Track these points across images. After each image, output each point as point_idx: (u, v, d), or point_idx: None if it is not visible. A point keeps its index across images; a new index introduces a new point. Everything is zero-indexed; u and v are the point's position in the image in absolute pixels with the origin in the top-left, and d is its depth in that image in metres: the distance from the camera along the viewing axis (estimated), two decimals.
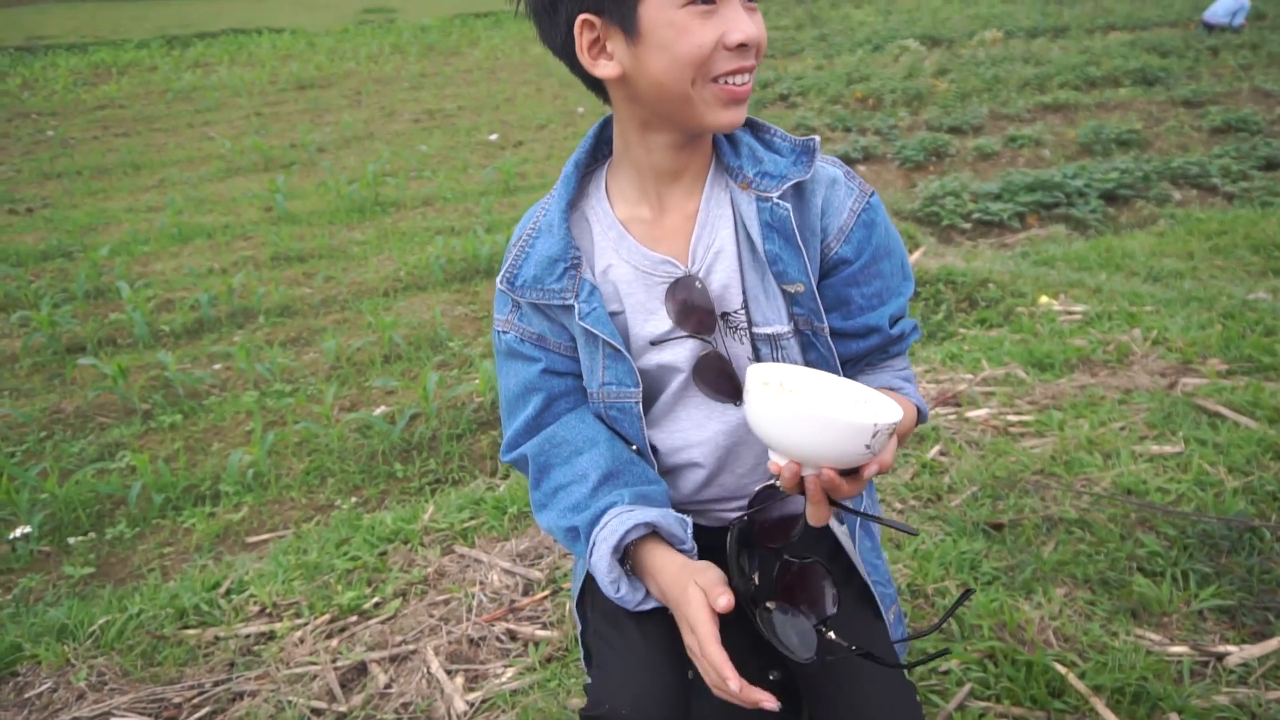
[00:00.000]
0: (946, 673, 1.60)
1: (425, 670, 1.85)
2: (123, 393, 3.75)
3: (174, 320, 4.54)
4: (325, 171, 7.12)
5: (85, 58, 13.51)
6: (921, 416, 1.11)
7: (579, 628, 1.22)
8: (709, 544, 1.20)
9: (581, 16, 0.95)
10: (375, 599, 2.14)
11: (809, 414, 0.83)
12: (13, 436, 3.57)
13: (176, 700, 1.83)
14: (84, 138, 8.95)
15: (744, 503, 1.15)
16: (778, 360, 1.05)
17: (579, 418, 1.11)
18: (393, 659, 1.91)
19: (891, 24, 12.88)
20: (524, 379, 1.11)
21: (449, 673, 1.84)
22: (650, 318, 1.06)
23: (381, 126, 8.82)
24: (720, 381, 1.07)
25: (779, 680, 1.10)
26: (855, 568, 1.14)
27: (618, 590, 1.02)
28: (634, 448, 1.10)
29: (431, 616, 2.02)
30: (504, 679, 1.81)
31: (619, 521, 1.00)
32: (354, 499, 3.07)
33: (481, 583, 2.16)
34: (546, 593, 2.08)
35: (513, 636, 1.95)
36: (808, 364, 1.05)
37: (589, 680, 1.07)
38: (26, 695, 1.89)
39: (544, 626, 1.97)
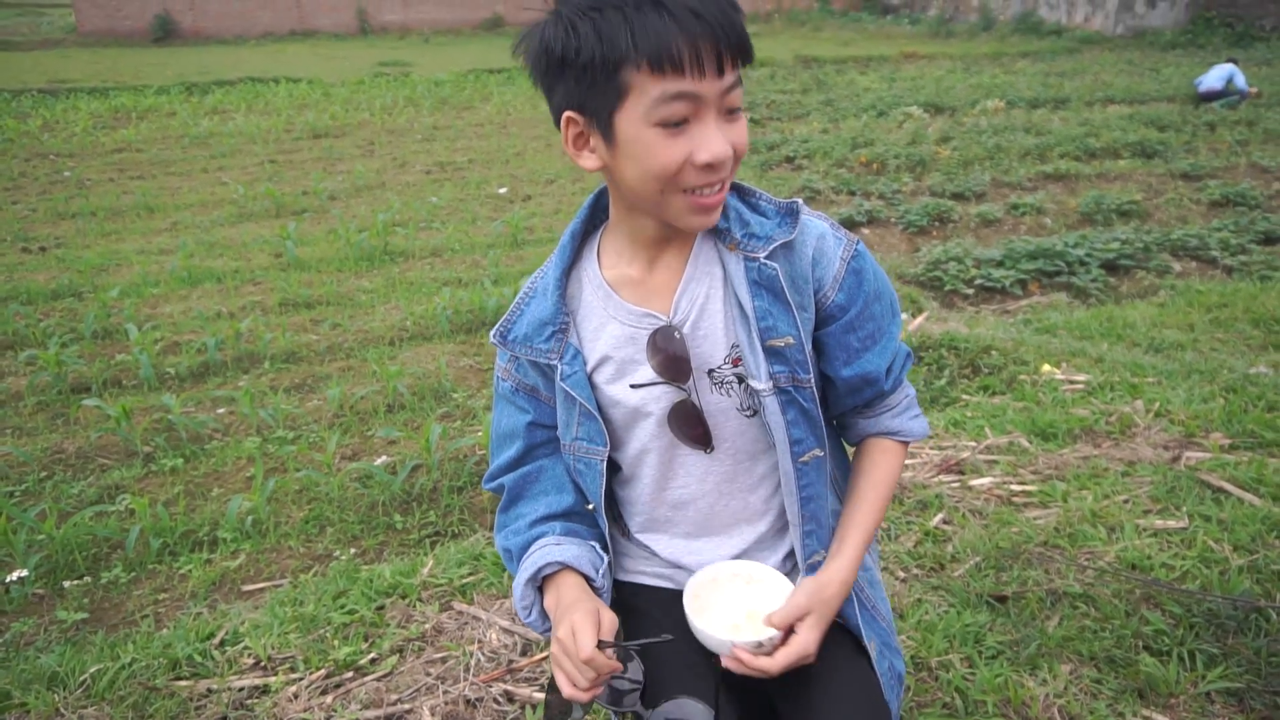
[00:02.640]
0: None
1: None
2: (125, 435, 3.75)
3: (180, 363, 4.56)
4: (336, 220, 7.21)
5: (106, 102, 13.77)
6: (915, 436, 1.20)
7: None
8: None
9: (567, 113, 0.99)
10: (372, 655, 2.12)
11: (691, 617, 1.08)
12: (13, 476, 3.57)
13: None
14: (100, 179, 9.08)
15: (734, 541, 1.20)
16: (759, 414, 1.11)
17: (554, 464, 1.21)
18: (388, 718, 1.88)
19: (896, 91, 13.13)
20: (512, 425, 1.20)
21: None
22: (638, 369, 1.11)
23: (393, 177, 8.95)
24: (690, 428, 1.12)
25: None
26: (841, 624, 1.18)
27: (529, 615, 1.14)
28: (590, 506, 1.18)
29: (428, 675, 2.00)
30: None
31: (541, 555, 1.12)
32: (352, 549, 3.05)
33: (479, 641, 2.13)
34: (545, 654, 2.06)
35: (510, 699, 1.92)
36: (787, 422, 1.09)
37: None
38: None
39: (542, 689, 1.94)
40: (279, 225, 7.02)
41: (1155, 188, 7.84)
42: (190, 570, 2.95)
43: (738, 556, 1.18)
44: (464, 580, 2.46)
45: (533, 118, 12.08)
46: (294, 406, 4.07)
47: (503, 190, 8.31)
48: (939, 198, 7.51)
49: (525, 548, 1.15)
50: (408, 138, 10.97)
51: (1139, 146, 9.08)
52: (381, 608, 2.35)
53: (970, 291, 5.64)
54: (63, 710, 1.96)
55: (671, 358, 1.08)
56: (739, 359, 1.09)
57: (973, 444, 2.95)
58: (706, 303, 1.09)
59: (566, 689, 1.01)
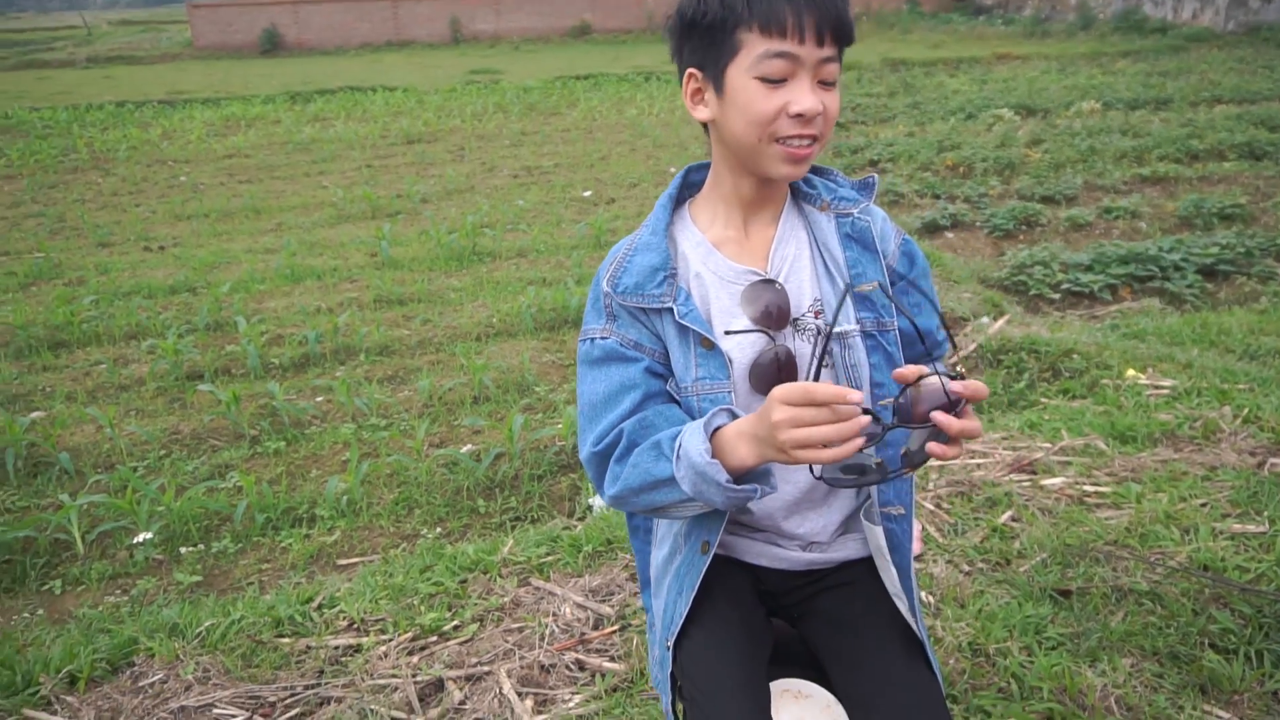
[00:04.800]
0: None
1: (498, 690, 1.96)
2: (234, 418, 4.04)
3: (283, 354, 4.87)
4: (427, 221, 7.52)
5: (218, 111, 14.62)
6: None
7: (668, 695, 1.28)
8: (773, 588, 1.30)
9: (689, 70, 1.18)
10: (455, 622, 2.27)
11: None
12: (137, 453, 3.89)
13: (271, 699, 1.98)
14: (212, 183, 9.67)
15: (813, 538, 1.27)
16: (844, 356, 1.19)
17: (672, 410, 1.20)
18: (468, 678, 2.02)
19: (986, 93, 12.82)
20: (623, 378, 1.19)
21: (520, 695, 1.95)
22: (732, 320, 1.20)
23: (482, 181, 9.25)
24: (772, 376, 1.17)
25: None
26: (890, 595, 1.24)
27: (710, 466, 1.03)
28: None
29: (506, 642, 2.14)
30: (571, 705, 1.90)
31: (706, 419, 1.08)
32: (438, 529, 3.23)
33: (554, 614, 2.26)
34: (615, 628, 2.17)
35: (581, 666, 2.04)
36: (871, 365, 1.19)
37: None
38: (141, 684, 2.07)
39: (612, 659, 2.06)
40: (375, 226, 7.36)
41: (1263, 190, 7.48)
42: (291, 544, 3.18)
43: (791, 505, 1.25)
44: (542, 560, 2.59)
45: (618, 123, 12.28)
46: (386, 396, 4.30)
47: (587, 194, 8.50)
48: (1027, 201, 7.34)
49: (675, 436, 1.10)
50: (496, 143, 11.31)
51: (1246, 148, 8.66)
52: (464, 581, 2.50)
53: (1056, 296, 5.51)
54: (182, 656, 2.17)
55: (771, 306, 1.19)
56: (819, 311, 1.21)
57: (1047, 445, 2.93)
58: (796, 259, 1.23)
59: (826, 454, 0.95)
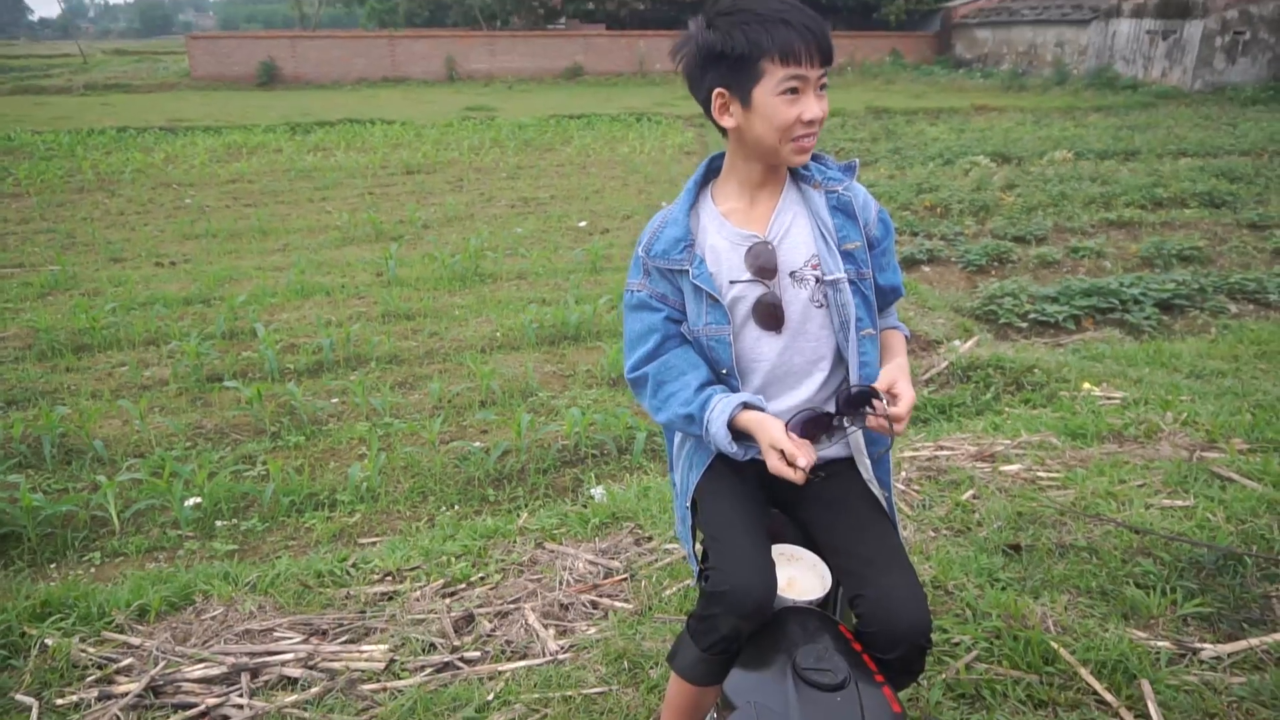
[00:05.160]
0: (958, 643, 1.92)
1: (524, 622, 2.24)
2: (256, 414, 4.31)
3: (298, 360, 5.14)
4: (430, 245, 7.84)
5: (219, 138, 14.98)
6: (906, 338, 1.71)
7: (690, 543, 1.65)
8: (772, 479, 1.63)
9: (717, 89, 1.48)
10: (480, 574, 2.55)
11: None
12: (164, 443, 4.14)
13: (323, 627, 2.25)
14: (218, 206, 9.97)
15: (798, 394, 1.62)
16: (836, 298, 1.54)
17: (685, 352, 1.59)
18: (497, 614, 2.30)
19: (964, 141, 13.42)
20: (649, 323, 1.59)
21: (543, 626, 2.22)
22: (738, 272, 1.55)
23: (481, 209, 9.62)
24: (768, 315, 1.55)
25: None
26: (864, 480, 1.61)
27: (731, 447, 1.48)
28: (724, 371, 1.57)
29: (528, 587, 2.42)
30: (590, 634, 2.19)
31: (726, 403, 1.50)
32: (452, 513, 3.51)
33: (569, 569, 2.55)
34: (625, 577, 2.46)
35: (595, 605, 2.32)
36: (855, 304, 1.55)
37: (706, 579, 1.47)
38: (204, 616, 2.33)
39: (624, 601, 2.34)
40: (380, 248, 7.68)
41: (1220, 235, 7.97)
42: (314, 524, 3.44)
43: (799, 406, 1.56)
44: (555, 530, 2.88)
45: (610, 160, 12.73)
46: (399, 398, 4.59)
47: (582, 224, 8.88)
48: (1000, 240, 7.78)
49: (704, 406, 1.52)
50: (494, 175, 11.71)
51: (1207, 196, 9.18)
52: (486, 546, 2.78)
53: (1024, 325, 5.90)
54: (237, 597, 2.44)
55: (763, 262, 1.53)
56: (817, 264, 1.54)
57: (1007, 441, 3.27)
58: (792, 224, 1.56)
59: (785, 471, 1.39)
